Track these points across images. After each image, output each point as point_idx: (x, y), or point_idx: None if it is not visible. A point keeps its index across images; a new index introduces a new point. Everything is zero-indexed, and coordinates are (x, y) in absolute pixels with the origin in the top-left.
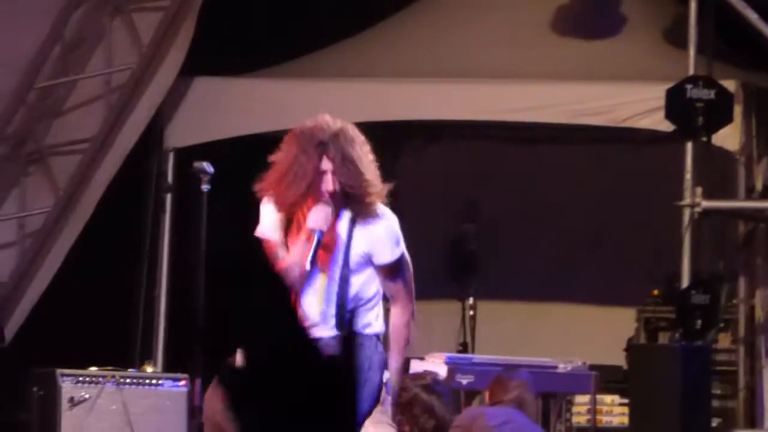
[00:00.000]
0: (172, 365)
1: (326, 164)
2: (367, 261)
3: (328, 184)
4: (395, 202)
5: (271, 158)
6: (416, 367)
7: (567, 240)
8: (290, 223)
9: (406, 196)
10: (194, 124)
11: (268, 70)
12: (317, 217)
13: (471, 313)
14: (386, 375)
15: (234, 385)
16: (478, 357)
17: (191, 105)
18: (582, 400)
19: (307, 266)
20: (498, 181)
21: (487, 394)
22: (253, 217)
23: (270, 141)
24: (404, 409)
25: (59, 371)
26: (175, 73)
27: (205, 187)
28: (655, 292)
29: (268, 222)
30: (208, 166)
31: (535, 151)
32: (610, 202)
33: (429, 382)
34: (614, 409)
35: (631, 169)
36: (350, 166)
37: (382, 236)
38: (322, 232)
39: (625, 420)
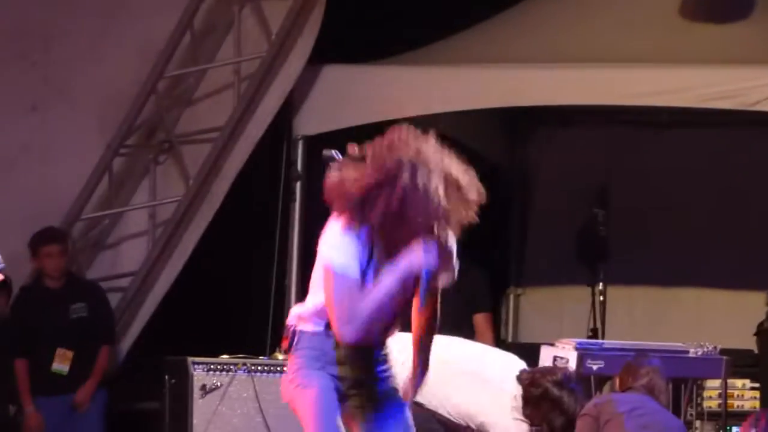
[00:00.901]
0: None
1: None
2: None
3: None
4: (525, 189)
5: (371, 177)
6: (546, 353)
7: (696, 224)
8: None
9: (536, 182)
10: (323, 112)
11: (398, 57)
12: (430, 253)
13: (601, 298)
14: None
15: None
16: (608, 342)
17: (320, 93)
18: (713, 384)
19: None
20: (628, 166)
21: (617, 381)
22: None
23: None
24: (534, 404)
25: (191, 359)
26: (304, 61)
27: None
28: None
29: (353, 255)
30: (336, 154)
31: (665, 135)
32: (741, 186)
33: (560, 378)
34: (745, 393)
35: (763, 152)
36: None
37: None
38: (429, 272)
39: (757, 404)
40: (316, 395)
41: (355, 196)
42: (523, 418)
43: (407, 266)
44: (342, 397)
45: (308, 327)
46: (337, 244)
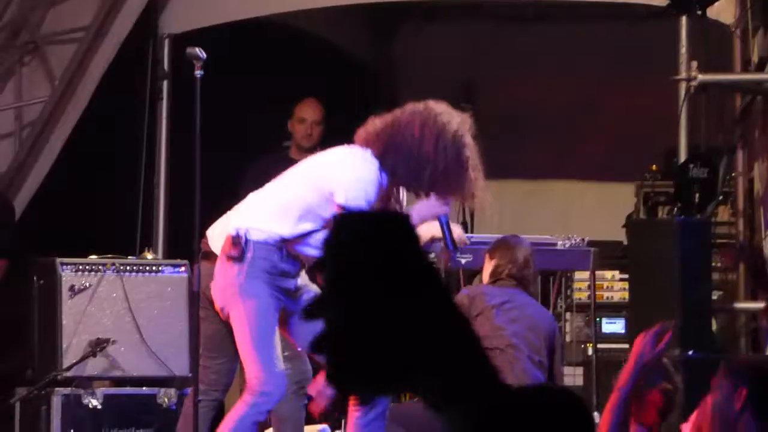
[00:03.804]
0: (172, 252)
1: None
2: None
3: None
4: (391, 85)
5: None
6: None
7: (564, 116)
8: None
9: (402, 78)
10: (189, 10)
11: None
12: (440, 203)
13: None
14: None
15: None
16: (476, 236)
17: None
18: (582, 276)
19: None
20: (493, 60)
21: (487, 256)
22: (255, 105)
23: (265, 25)
24: None
25: (59, 260)
26: None
27: (198, 73)
28: (654, 167)
29: (372, 197)
30: (200, 52)
31: (529, 29)
32: (606, 78)
33: None
34: (614, 284)
35: (625, 45)
36: None
37: None
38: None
39: (625, 295)
40: (257, 306)
41: (405, 151)
42: None
43: (430, 211)
44: (284, 310)
45: (261, 237)
46: (361, 181)
